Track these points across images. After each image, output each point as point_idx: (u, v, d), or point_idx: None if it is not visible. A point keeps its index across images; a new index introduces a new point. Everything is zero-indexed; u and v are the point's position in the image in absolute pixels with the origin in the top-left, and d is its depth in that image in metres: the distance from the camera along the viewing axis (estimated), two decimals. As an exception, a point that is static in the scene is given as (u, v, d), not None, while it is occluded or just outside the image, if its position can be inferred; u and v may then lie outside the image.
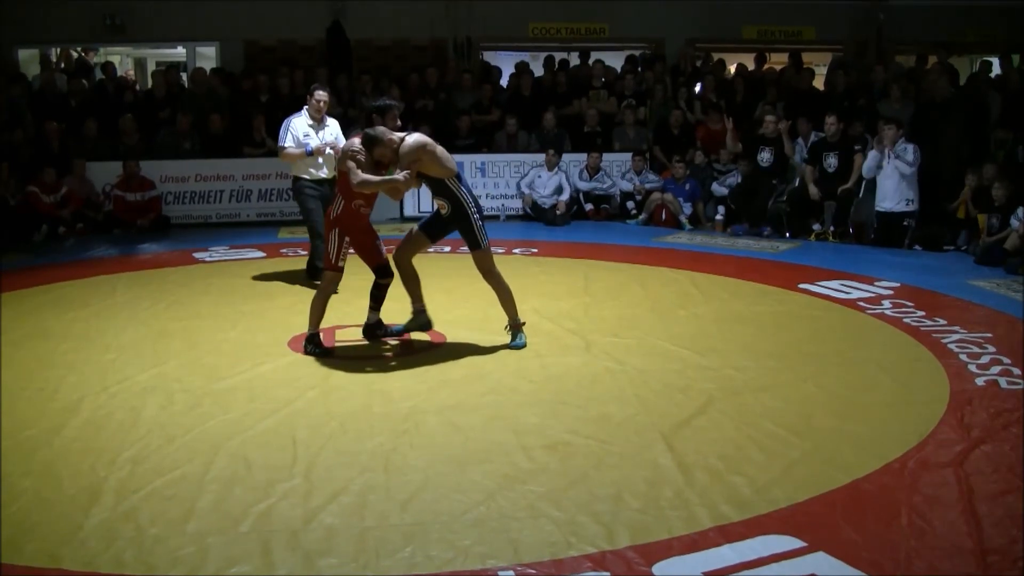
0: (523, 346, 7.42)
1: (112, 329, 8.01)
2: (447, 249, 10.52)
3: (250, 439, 5.52)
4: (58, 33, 16.75)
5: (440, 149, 7.22)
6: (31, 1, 16.09)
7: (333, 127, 9.71)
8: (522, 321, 7.55)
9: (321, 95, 9.58)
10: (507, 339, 7.44)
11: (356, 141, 7.18)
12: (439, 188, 7.26)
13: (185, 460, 5.22)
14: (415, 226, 7.68)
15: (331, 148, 9.48)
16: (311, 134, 9.50)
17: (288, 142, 9.54)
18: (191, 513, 4.58)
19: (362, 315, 7.90)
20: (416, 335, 7.73)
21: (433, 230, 7.56)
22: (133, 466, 5.14)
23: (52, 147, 13.72)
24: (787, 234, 12.83)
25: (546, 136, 14.92)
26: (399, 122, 7.42)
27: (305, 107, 9.65)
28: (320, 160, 9.57)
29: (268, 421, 5.80)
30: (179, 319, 8.38)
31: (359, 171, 7.02)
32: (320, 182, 9.60)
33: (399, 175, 7.01)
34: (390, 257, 7.60)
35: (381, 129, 7.12)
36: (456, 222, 7.33)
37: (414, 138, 7.13)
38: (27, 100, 14.63)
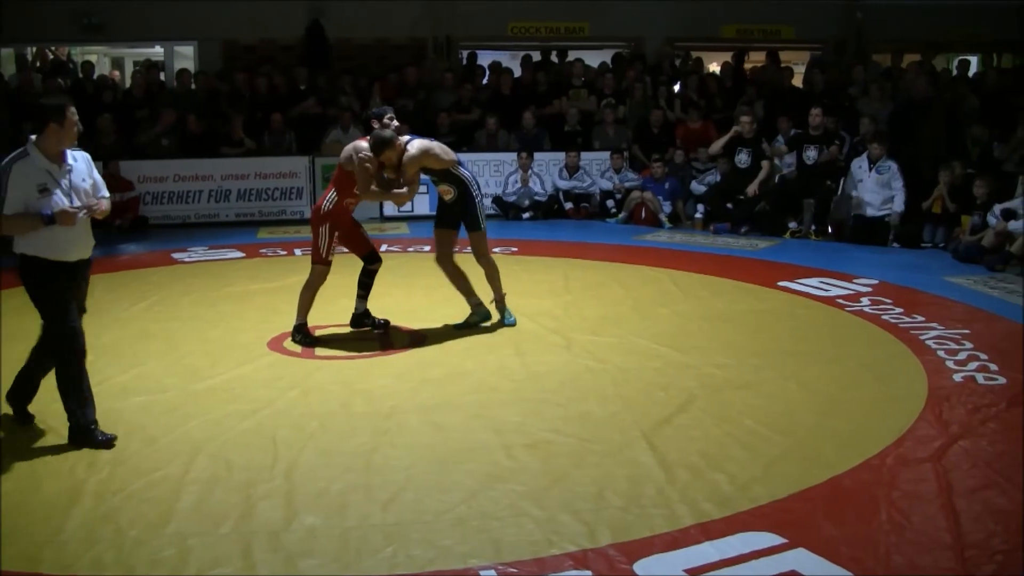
0: (515, 323, 7.82)
1: (91, 330, 7.84)
2: (427, 248, 10.50)
3: (231, 440, 5.51)
4: (35, 32, 16.65)
5: (438, 146, 7.54)
6: (7, 1, 15.97)
7: (82, 165, 5.67)
8: (503, 293, 7.92)
9: (74, 113, 5.50)
10: (490, 337, 7.47)
11: (364, 144, 7.35)
12: (444, 176, 7.60)
13: (165, 461, 5.20)
14: (434, 228, 7.98)
15: (85, 207, 5.53)
16: (49, 185, 5.38)
17: (13, 205, 5.29)
18: (171, 514, 4.57)
19: (344, 315, 7.91)
20: (397, 336, 7.74)
21: (449, 222, 7.86)
22: (113, 468, 5.12)
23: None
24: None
25: (526, 135, 14.93)
26: (396, 121, 7.65)
27: (29, 143, 5.42)
28: (78, 226, 5.50)
29: (249, 422, 5.79)
30: (159, 320, 8.35)
31: (368, 181, 7.32)
32: (76, 265, 5.60)
33: (403, 190, 7.42)
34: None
35: (390, 132, 7.30)
36: (460, 204, 7.67)
37: (416, 147, 7.36)
38: (3, 100, 14.52)
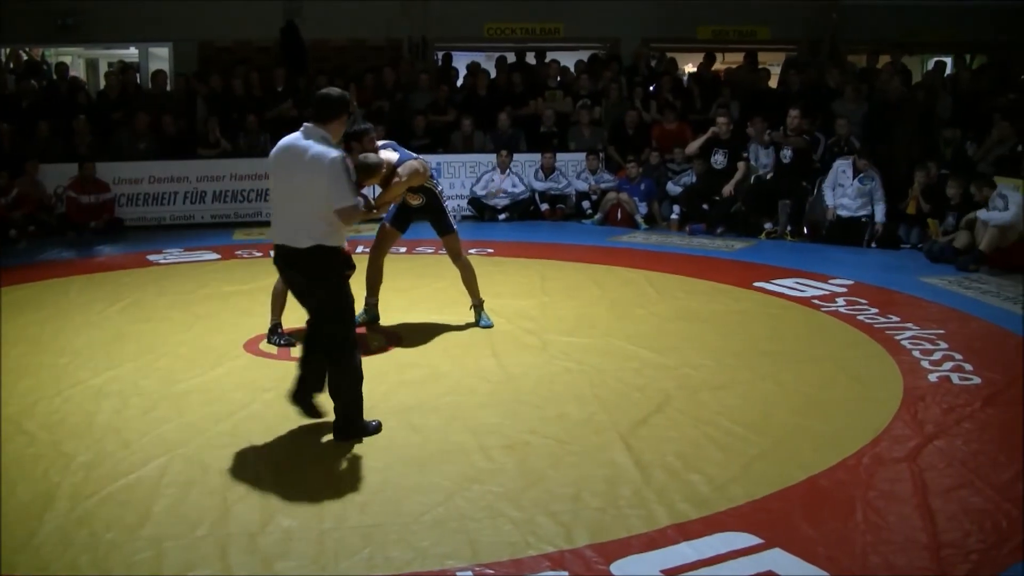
0: (491, 326, 7.82)
1: (66, 332, 7.91)
2: (402, 250, 10.49)
3: (206, 442, 5.48)
4: (8, 33, 16.51)
5: (420, 165, 7.40)
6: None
7: None
8: (482, 299, 8.00)
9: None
10: (467, 338, 7.46)
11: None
12: (417, 188, 7.55)
13: (140, 464, 5.17)
14: (384, 222, 7.96)
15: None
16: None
17: (355, 196, 5.58)
18: (147, 517, 4.54)
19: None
20: (374, 337, 7.72)
21: (401, 223, 7.91)
22: (87, 471, 5.09)
23: (3, 148, 13.54)
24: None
25: (501, 136, 14.93)
26: (378, 142, 7.21)
27: (321, 132, 5.48)
28: None
29: (224, 424, 5.76)
30: (134, 322, 8.30)
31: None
32: None
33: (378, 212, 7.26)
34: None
35: (374, 157, 6.77)
36: (428, 211, 7.72)
37: (407, 172, 7.22)
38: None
